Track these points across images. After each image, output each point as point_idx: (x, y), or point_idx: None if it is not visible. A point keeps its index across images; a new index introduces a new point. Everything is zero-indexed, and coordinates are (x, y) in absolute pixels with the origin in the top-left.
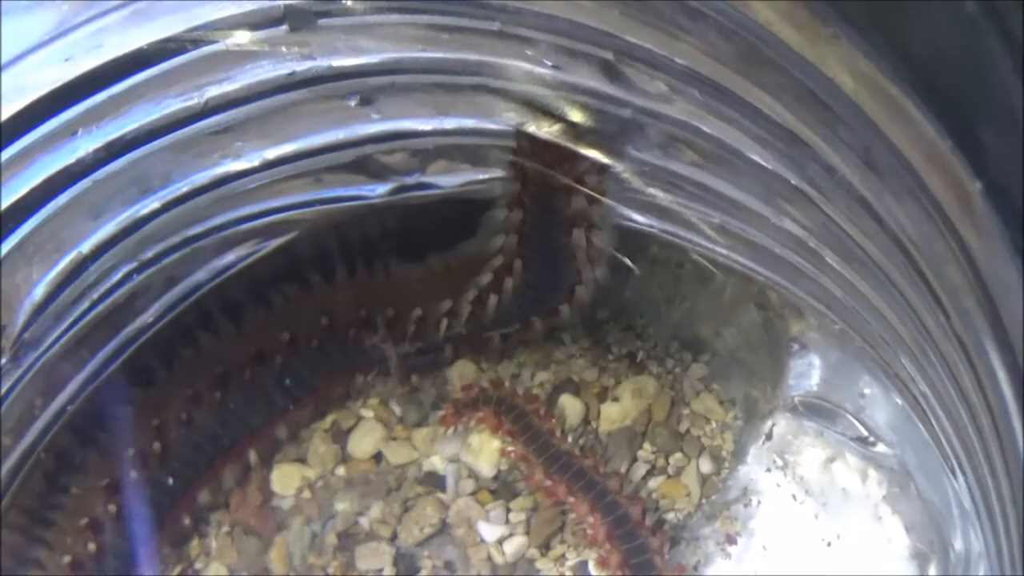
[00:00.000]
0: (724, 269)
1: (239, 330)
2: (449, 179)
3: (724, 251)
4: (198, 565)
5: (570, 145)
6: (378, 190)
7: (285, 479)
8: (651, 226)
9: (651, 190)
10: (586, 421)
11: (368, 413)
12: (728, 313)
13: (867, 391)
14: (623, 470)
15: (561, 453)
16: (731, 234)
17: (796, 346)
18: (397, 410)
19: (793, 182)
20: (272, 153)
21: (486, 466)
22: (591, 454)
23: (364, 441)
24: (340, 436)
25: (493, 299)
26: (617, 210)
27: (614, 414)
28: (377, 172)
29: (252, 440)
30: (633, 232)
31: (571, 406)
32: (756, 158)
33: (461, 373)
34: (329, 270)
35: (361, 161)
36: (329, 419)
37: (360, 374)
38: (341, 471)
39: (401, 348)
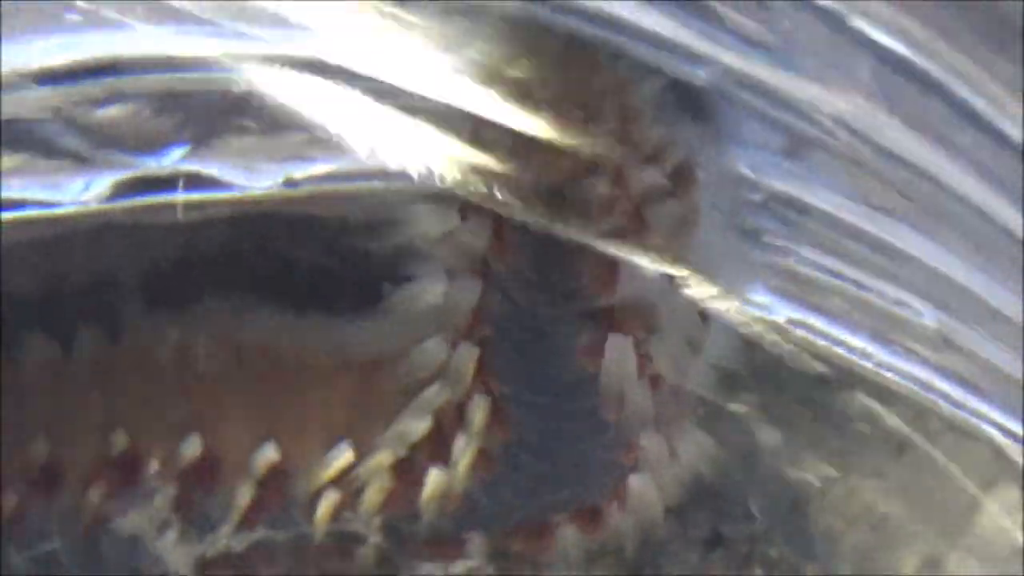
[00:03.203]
0: (963, 435)
1: None
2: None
3: (954, 391)
4: None
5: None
6: (80, 190)
7: None
8: (795, 322)
9: (780, 251)
10: None
11: None
12: (988, 544)
13: None
14: None
15: None
16: (966, 354)
17: None
18: None
19: None
20: None
21: None
22: None
23: None
24: None
25: (440, 476)
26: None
27: None
28: (66, 149)
29: None
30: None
31: None
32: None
33: None
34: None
35: (32, 126)
36: None
37: None
38: None
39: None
